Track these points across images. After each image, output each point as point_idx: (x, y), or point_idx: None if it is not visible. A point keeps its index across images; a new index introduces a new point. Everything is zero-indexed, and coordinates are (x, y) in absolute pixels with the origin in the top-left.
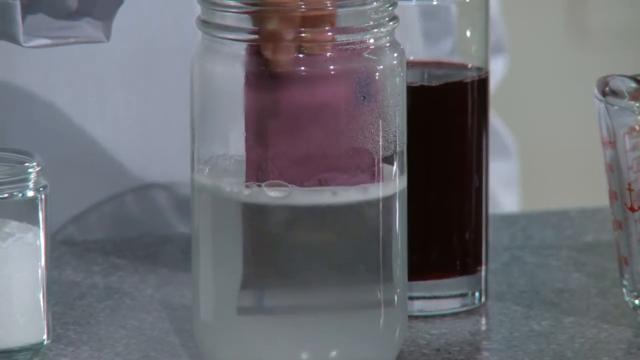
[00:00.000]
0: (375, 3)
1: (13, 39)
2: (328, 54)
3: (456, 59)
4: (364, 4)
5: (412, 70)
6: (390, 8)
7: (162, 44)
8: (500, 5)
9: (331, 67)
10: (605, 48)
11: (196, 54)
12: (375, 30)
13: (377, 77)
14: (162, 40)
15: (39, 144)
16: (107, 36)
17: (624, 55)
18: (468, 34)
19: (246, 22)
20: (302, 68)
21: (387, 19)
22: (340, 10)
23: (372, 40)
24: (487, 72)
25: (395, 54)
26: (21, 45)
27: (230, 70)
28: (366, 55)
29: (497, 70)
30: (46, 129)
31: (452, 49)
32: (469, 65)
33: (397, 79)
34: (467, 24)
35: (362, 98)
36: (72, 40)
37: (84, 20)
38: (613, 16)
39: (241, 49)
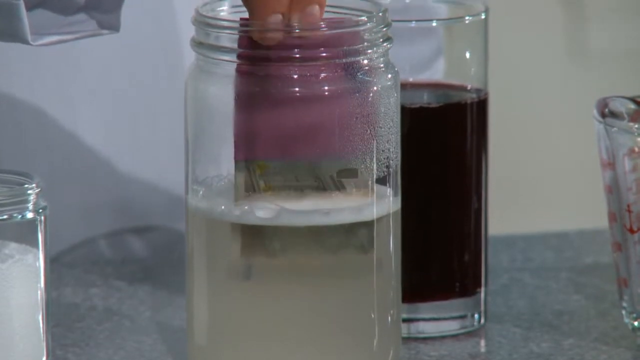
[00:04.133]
0: (369, 24)
1: (21, 38)
2: (322, 75)
3: (455, 81)
4: (358, 25)
5: (411, 92)
6: (385, 29)
7: (154, 62)
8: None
9: (325, 87)
10: (606, 69)
11: (190, 74)
12: (370, 51)
13: (371, 98)
14: (155, 60)
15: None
16: (117, 27)
17: (625, 77)
18: (467, 55)
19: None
20: (297, 89)
21: (381, 39)
22: (334, 32)
23: (366, 61)
24: (486, 94)
25: (390, 75)
26: (30, 44)
27: (224, 91)
28: (360, 76)
29: None
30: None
31: (451, 71)
32: (468, 87)
33: (392, 100)
34: (465, 45)
35: (354, 119)
36: (81, 34)
37: (92, 14)
38: (614, 37)
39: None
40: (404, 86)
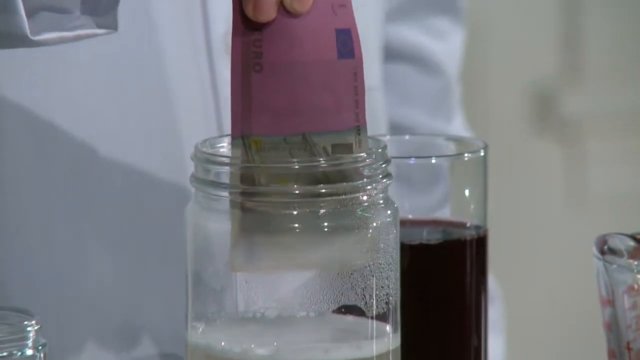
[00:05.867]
0: (368, 160)
1: (20, 34)
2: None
3: (455, 217)
4: (357, 161)
5: (410, 229)
6: (384, 165)
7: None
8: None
9: (325, 224)
10: (605, 212)
11: (190, 210)
12: (369, 187)
13: (370, 234)
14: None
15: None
16: (114, 27)
17: (624, 220)
18: (466, 192)
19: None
20: (296, 225)
21: (380, 176)
22: (333, 167)
23: (365, 197)
24: (485, 230)
25: (389, 211)
26: (30, 38)
27: (224, 227)
28: (359, 212)
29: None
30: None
31: (451, 207)
32: (468, 224)
33: (391, 236)
34: (465, 182)
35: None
36: (80, 32)
37: (89, 15)
38: (613, 182)
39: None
40: (403, 223)
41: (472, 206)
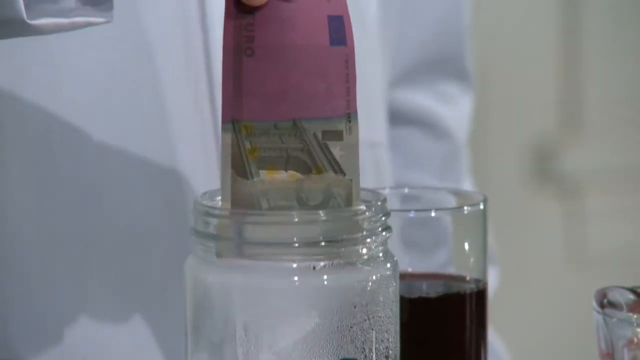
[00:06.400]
0: (368, 213)
1: (16, 18)
2: (321, 264)
3: (454, 271)
4: (357, 214)
5: (410, 282)
6: (384, 218)
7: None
8: (499, 221)
9: (325, 277)
10: (604, 269)
11: (189, 262)
12: (369, 240)
13: (369, 287)
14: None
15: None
16: (111, 16)
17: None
18: (466, 246)
19: (243, 232)
20: (295, 278)
21: (380, 229)
22: (332, 221)
23: (365, 250)
24: (485, 284)
25: (389, 264)
26: (27, 22)
27: (223, 281)
28: (359, 266)
29: (490, 283)
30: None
31: (450, 261)
32: (467, 277)
33: (390, 289)
34: (464, 235)
35: (354, 306)
36: (76, 21)
37: (86, 4)
38: (612, 238)
39: (234, 260)
40: (403, 276)
41: (471, 259)
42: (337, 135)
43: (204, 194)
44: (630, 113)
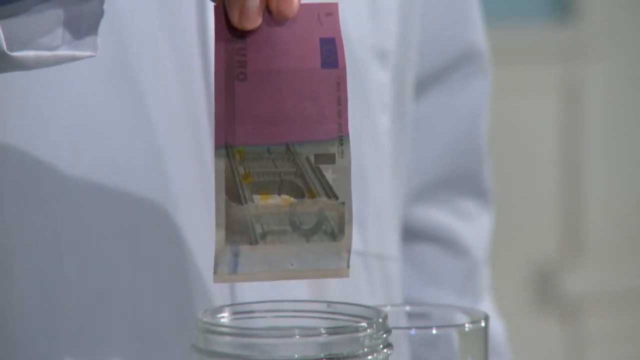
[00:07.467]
0: (369, 330)
1: None
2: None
3: None
4: (357, 330)
5: None
6: (385, 335)
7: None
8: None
9: None
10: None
11: None
12: (370, 357)
13: None
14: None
15: None
16: (95, 49)
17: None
18: None
19: (244, 349)
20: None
21: (381, 346)
22: (332, 337)
23: None
24: None
25: None
26: (6, 53)
27: None
28: None
29: None
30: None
31: None
32: None
33: None
34: (466, 352)
35: None
36: (59, 54)
37: (70, 39)
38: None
39: None
40: None
41: None
42: (330, 159)
43: (205, 311)
44: (631, 237)
